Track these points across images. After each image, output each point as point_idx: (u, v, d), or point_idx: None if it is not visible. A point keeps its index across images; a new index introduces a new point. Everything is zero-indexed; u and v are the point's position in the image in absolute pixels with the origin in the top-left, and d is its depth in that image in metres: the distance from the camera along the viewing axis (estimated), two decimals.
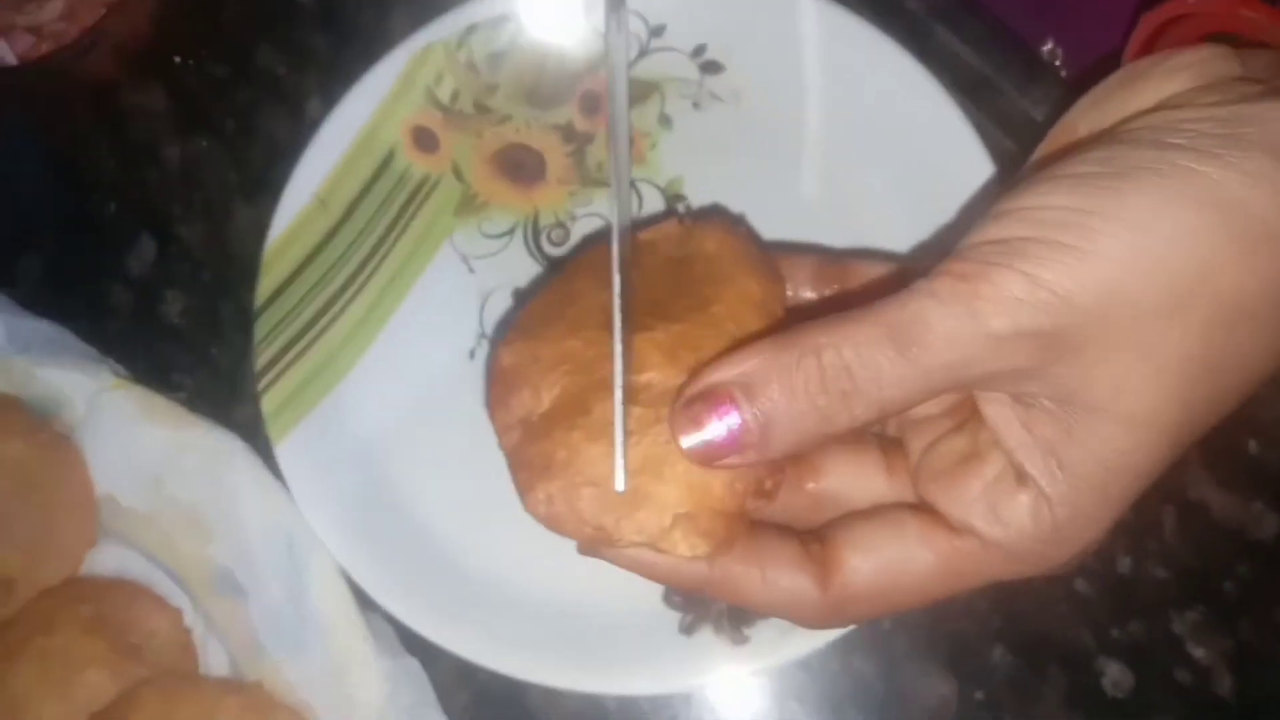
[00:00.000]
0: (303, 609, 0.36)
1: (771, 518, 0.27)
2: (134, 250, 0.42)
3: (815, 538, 0.26)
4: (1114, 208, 0.21)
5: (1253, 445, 0.37)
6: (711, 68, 0.40)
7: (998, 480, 0.24)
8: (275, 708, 0.35)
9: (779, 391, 0.22)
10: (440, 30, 0.39)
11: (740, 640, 0.34)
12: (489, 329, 0.39)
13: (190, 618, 0.37)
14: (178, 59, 0.44)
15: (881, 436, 0.28)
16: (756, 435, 0.23)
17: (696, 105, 0.40)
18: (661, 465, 0.25)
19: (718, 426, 0.23)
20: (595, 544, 0.25)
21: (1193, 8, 0.27)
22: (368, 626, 0.36)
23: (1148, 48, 0.28)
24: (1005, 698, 0.36)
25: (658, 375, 0.26)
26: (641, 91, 0.40)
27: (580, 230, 0.39)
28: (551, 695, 0.36)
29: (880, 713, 0.36)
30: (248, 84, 0.43)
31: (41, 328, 0.40)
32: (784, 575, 0.25)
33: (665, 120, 0.40)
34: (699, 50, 0.40)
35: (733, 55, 0.39)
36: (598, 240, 0.31)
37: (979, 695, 0.36)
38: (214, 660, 0.37)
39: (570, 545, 0.35)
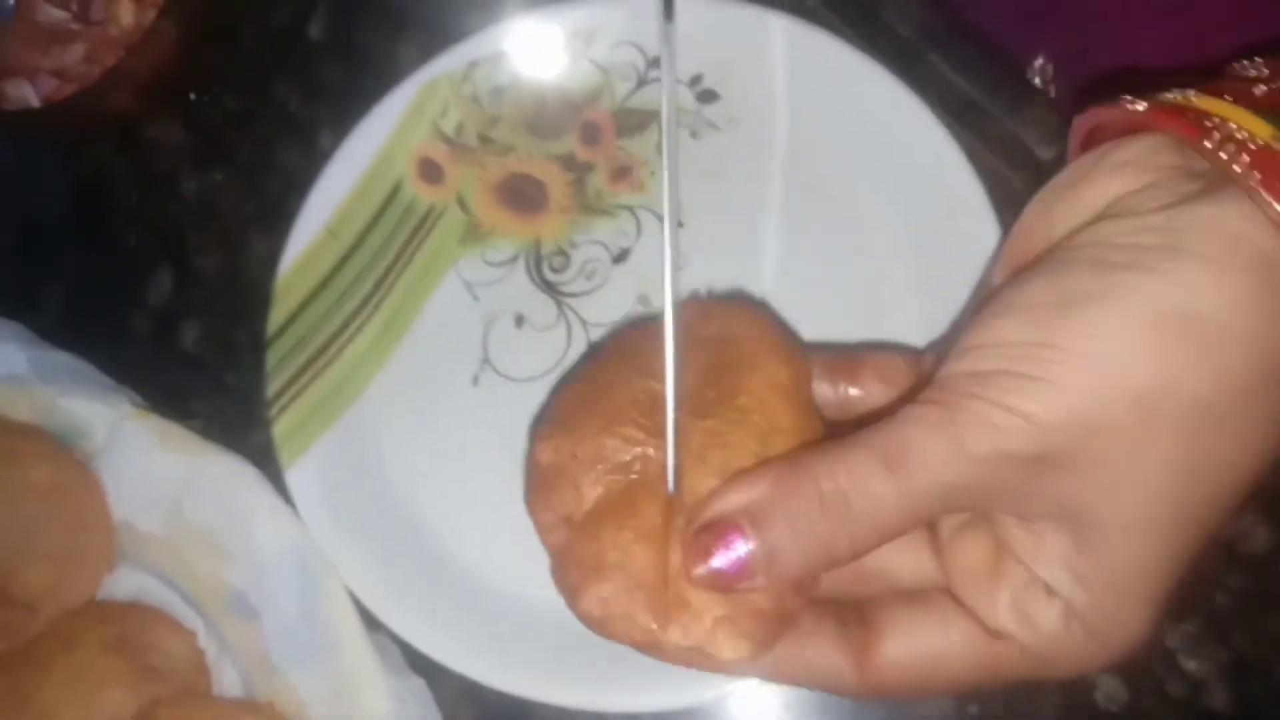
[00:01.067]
0: (313, 630, 0.37)
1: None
2: (152, 280, 0.44)
3: (857, 616, 0.27)
4: (1065, 339, 0.23)
5: None
6: (708, 96, 0.41)
7: (1027, 587, 0.25)
8: None
9: (783, 521, 0.24)
10: (445, 65, 0.40)
11: None
12: (492, 355, 0.40)
13: (204, 639, 0.38)
14: (194, 95, 0.45)
15: None
16: (763, 564, 0.24)
17: (694, 134, 0.41)
18: None
19: (725, 556, 0.24)
20: (644, 646, 0.26)
21: (1120, 116, 0.26)
22: (375, 646, 0.37)
23: (1087, 144, 0.28)
24: (1001, 711, 0.36)
25: (690, 480, 0.26)
26: (640, 120, 0.41)
27: (581, 257, 0.40)
28: (557, 713, 0.37)
29: None
30: (262, 118, 0.44)
31: (63, 359, 0.41)
32: (824, 659, 0.26)
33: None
34: (696, 80, 0.41)
35: (728, 84, 0.41)
36: (630, 323, 0.33)
37: (974, 710, 0.36)
38: (227, 680, 0.38)
39: None
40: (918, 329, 0.38)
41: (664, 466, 0.26)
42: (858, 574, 0.28)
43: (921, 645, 0.26)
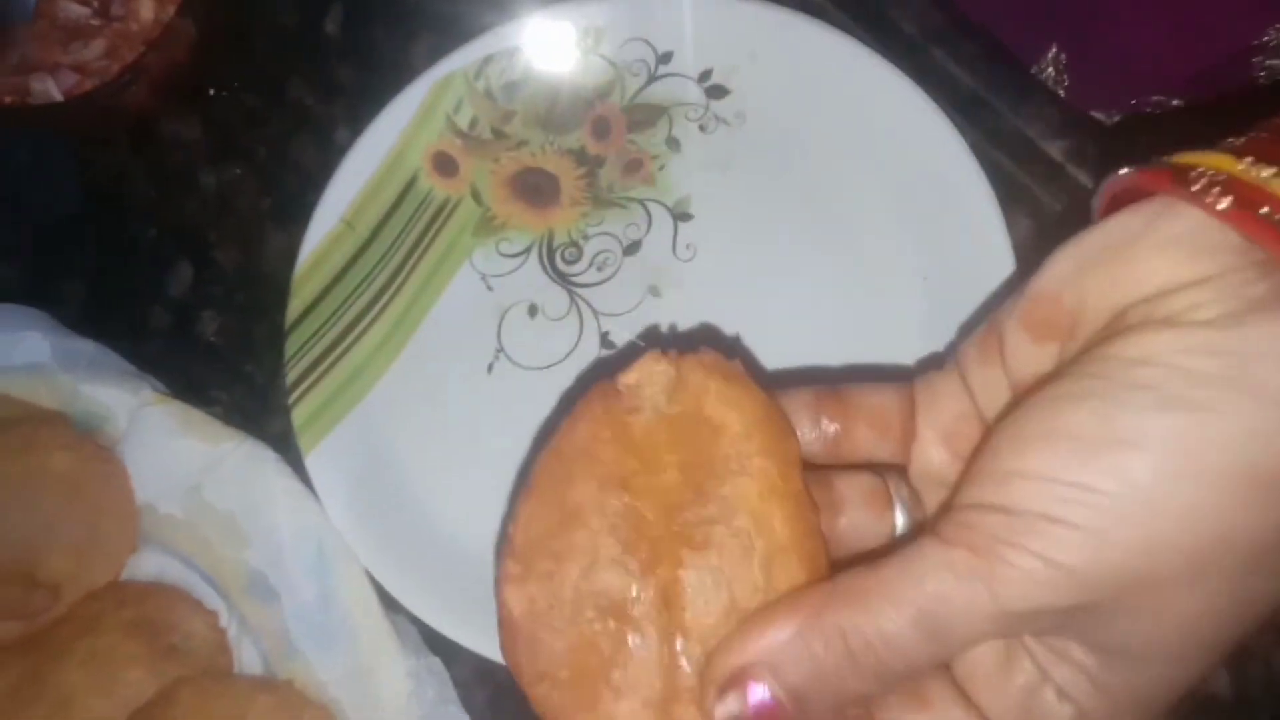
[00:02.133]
0: (331, 611, 0.38)
1: None
2: (172, 273, 0.45)
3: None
4: (1115, 484, 0.21)
5: None
6: (717, 92, 0.42)
7: (1039, 687, 0.24)
8: (305, 705, 0.37)
9: (810, 673, 0.23)
10: (459, 61, 0.41)
11: None
12: (506, 344, 0.41)
13: (225, 619, 0.39)
14: (213, 91, 0.46)
15: None
16: (790, 713, 0.23)
17: (703, 128, 0.42)
18: None
19: (750, 709, 0.23)
20: None
21: (1153, 183, 0.23)
22: (393, 627, 0.37)
23: (1119, 200, 0.25)
24: None
25: (683, 643, 0.25)
26: (650, 115, 0.42)
27: (592, 249, 0.41)
28: None
29: None
30: (279, 114, 0.45)
31: (86, 347, 0.42)
32: None
33: (673, 142, 0.42)
34: (705, 75, 0.42)
35: (737, 80, 0.41)
36: (577, 393, 0.30)
37: None
38: (248, 660, 0.39)
39: None
40: (921, 323, 0.38)
41: (657, 609, 0.25)
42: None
43: None
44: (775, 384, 0.29)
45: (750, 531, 0.26)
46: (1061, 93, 0.45)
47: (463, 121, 0.42)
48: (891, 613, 0.22)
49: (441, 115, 0.42)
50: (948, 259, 0.39)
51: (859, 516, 0.29)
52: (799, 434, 0.29)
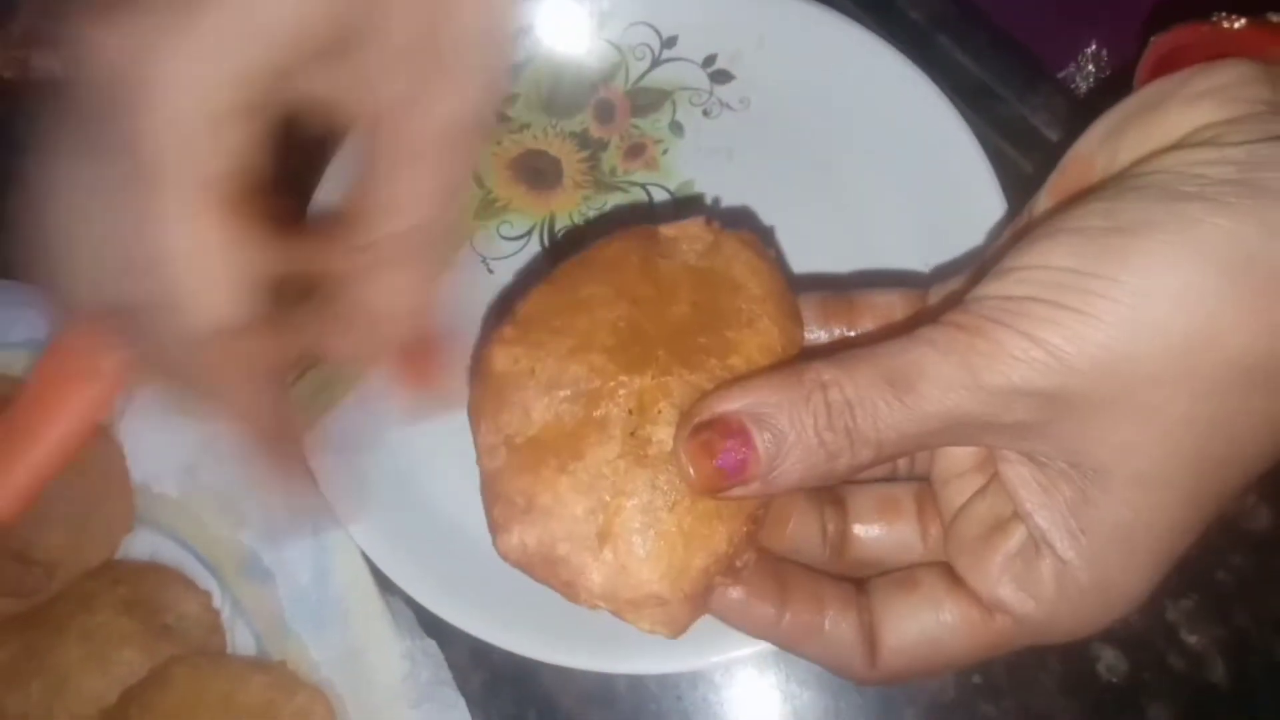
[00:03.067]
0: (326, 592, 0.37)
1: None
2: None
3: (867, 603, 0.26)
4: (1115, 269, 0.20)
5: None
6: (721, 77, 0.41)
7: (1020, 553, 0.24)
8: (299, 686, 0.37)
9: (788, 424, 0.22)
10: None
11: None
12: None
13: (219, 600, 0.39)
14: None
15: (916, 484, 0.29)
16: (764, 467, 0.23)
17: (707, 113, 0.41)
18: (645, 537, 0.24)
19: (727, 455, 0.23)
20: (561, 594, 0.25)
21: (1209, 35, 0.24)
22: (388, 608, 0.37)
23: (1159, 69, 0.25)
24: (1002, 682, 0.36)
25: (664, 433, 0.25)
26: (653, 100, 0.42)
27: (594, 233, 0.41)
28: (564, 675, 0.37)
29: (880, 695, 0.37)
30: None
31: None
32: (841, 647, 0.26)
33: (676, 127, 0.41)
34: (710, 60, 0.41)
35: (742, 65, 0.41)
36: (615, 230, 0.29)
37: (976, 679, 0.37)
38: (241, 640, 0.38)
39: None
40: None
41: (628, 410, 0.25)
42: (853, 565, 0.28)
43: (917, 632, 0.25)
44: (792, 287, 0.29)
45: (742, 372, 0.25)
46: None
47: None
48: (868, 370, 0.22)
49: None
50: (951, 247, 0.38)
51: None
52: (808, 335, 0.29)
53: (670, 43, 0.41)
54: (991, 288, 0.22)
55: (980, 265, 0.28)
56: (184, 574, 0.39)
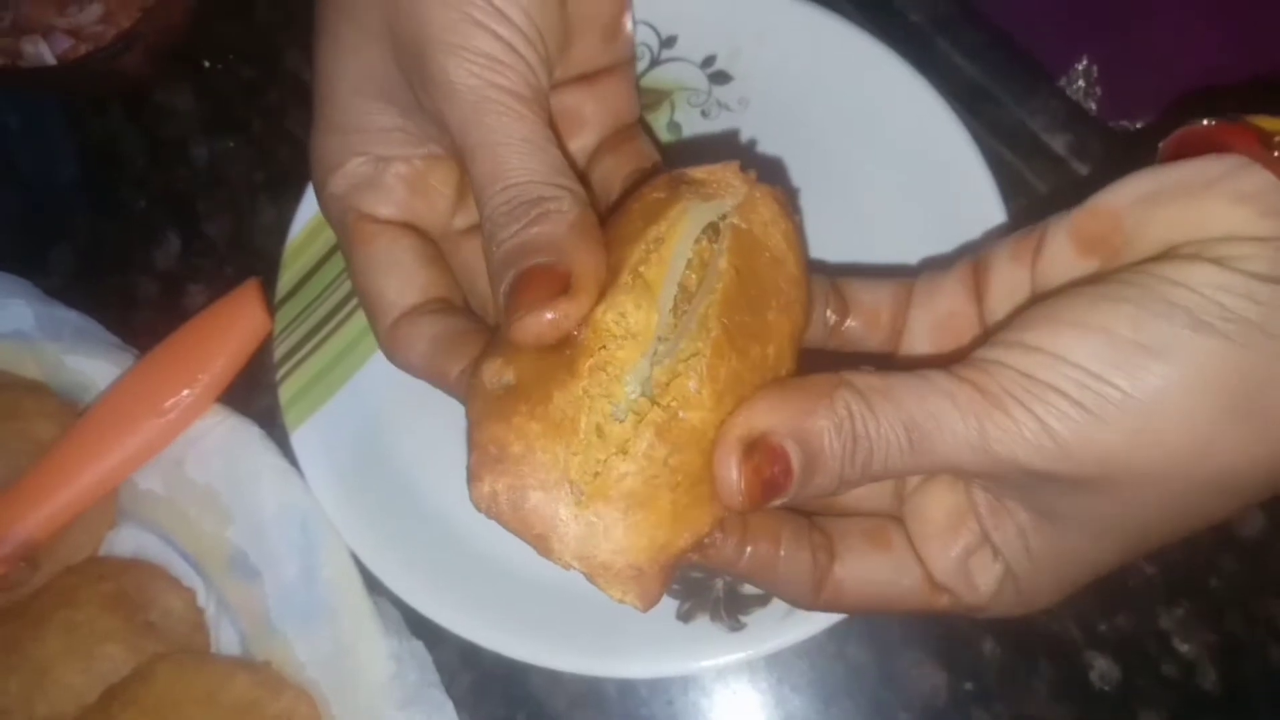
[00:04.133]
0: (313, 591, 0.37)
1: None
2: (161, 244, 0.44)
3: (824, 541, 0.28)
4: (1135, 386, 0.22)
5: None
6: (720, 78, 0.41)
7: (978, 551, 0.27)
8: (284, 686, 0.36)
9: (820, 451, 0.24)
10: None
11: (737, 627, 0.35)
12: None
13: (204, 598, 0.38)
14: (207, 64, 0.45)
15: None
16: (795, 488, 0.24)
17: (705, 114, 0.41)
18: (640, 509, 0.24)
19: (773, 478, 0.24)
20: (531, 545, 0.24)
21: (1236, 138, 0.24)
22: (375, 609, 0.37)
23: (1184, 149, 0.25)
24: (995, 688, 0.36)
25: (696, 416, 0.24)
26: (652, 100, 0.41)
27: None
28: (553, 678, 0.37)
29: (872, 700, 0.36)
30: (275, 86, 0.45)
31: (70, 317, 0.41)
32: (792, 574, 0.27)
33: (674, 127, 0.41)
34: (709, 61, 0.41)
35: (740, 66, 0.41)
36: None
37: (969, 686, 0.36)
38: (225, 639, 0.38)
39: None
40: None
41: (622, 360, 0.24)
42: (823, 507, 0.29)
43: (875, 583, 0.28)
44: None
45: (772, 364, 0.26)
46: (1094, 105, 0.45)
47: None
48: (890, 411, 0.24)
49: None
50: (949, 249, 0.38)
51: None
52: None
53: (669, 43, 0.41)
54: (1015, 359, 0.24)
55: (975, 271, 0.29)
56: (168, 571, 0.39)
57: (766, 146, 0.40)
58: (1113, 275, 0.24)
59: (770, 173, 0.39)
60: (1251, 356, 0.22)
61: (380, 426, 0.39)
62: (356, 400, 0.39)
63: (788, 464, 0.24)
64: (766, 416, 0.24)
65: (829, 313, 0.30)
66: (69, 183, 0.45)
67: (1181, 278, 0.23)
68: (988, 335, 0.28)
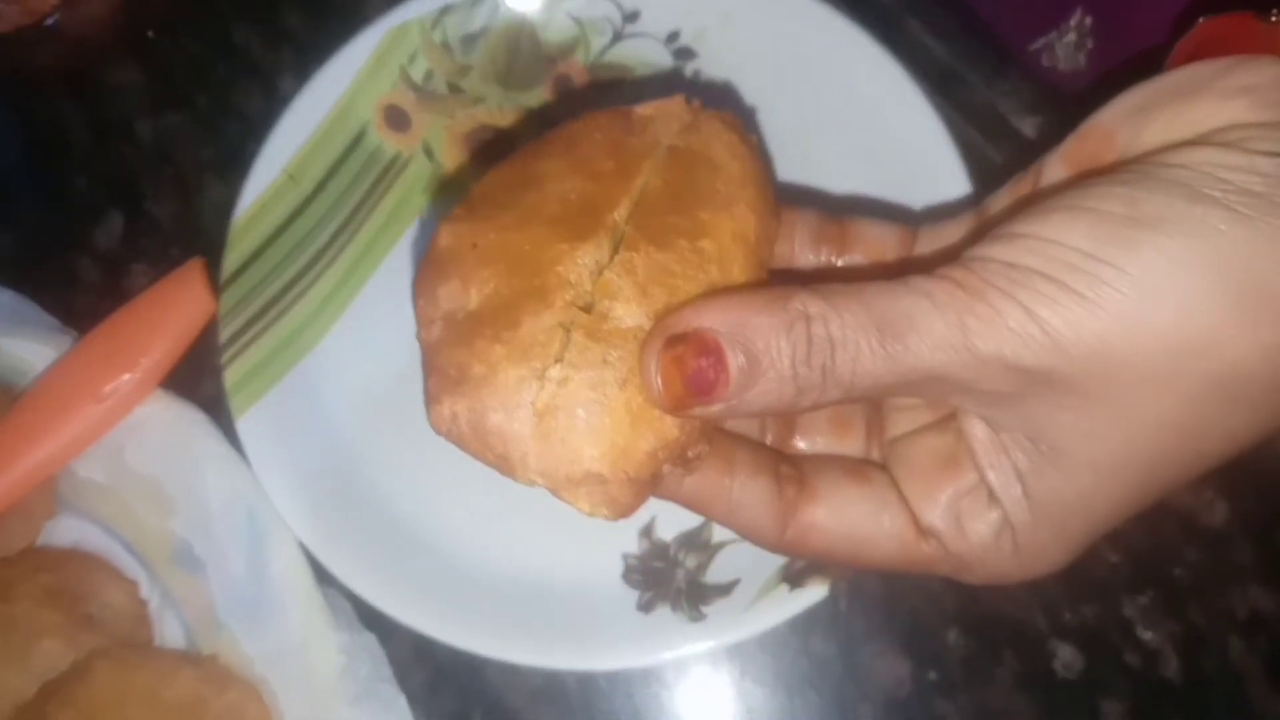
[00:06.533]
0: (261, 583, 0.36)
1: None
2: (102, 224, 0.42)
3: (795, 474, 0.26)
4: (1128, 261, 0.20)
5: None
6: (684, 54, 0.40)
7: (971, 494, 0.24)
8: (230, 680, 0.35)
9: (765, 350, 0.22)
10: (415, 10, 0.39)
11: (697, 618, 0.35)
12: None
13: (147, 590, 0.37)
14: (153, 34, 0.44)
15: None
16: (733, 389, 0.22)
17: (669, 91, 0.40)
18: (590, 412, 0.23)
19: (699, 375, 0.22)
20: (494, 468, 0.24)
21: (1257, 29, 0.23)
22: (325, 601, 0.36)
23: (1195, 54, 0.24)
24: (959, 678, 0.36)
25: (622, 309, 0.23)
26: (615, 75, 0.40)
27: None
28: (510, 672, 0.36)
29: (836, 692, 0.36)
30: (223, 61, 0.43)
31: (4, 298, 0.40)
32: (750, 505, 0.25)
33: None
34: (673, 37, 0.40)
35: (706, 43, 0.40)
36: (588, 110, 0.27)
37: (933, 675, 0.36)
38: (170, 633, 0.36)
39: (531, 523, 0.36)
40: None
41: (569, 280, 0.23)
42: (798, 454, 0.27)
43: (851, 523, 0.25)
44: (784, 197, 0.28)
45: (712, 258, 0.24)
46: (1083, 58, 0.43)
47: (417, 74, 0.40)
48: (858, 311, 0.21)
49: (394, 66, 0.40)
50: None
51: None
52: (798, 254, 0.29)
53: (632, 17, 0.40)
54: (997, 250, 0.22)
55: (979, 220, 0.28)
56: (110, 562, 0.37)
57: None
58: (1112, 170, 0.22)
59: (722, 100, 0.38)
60: (1257, 233, 0.20)
61: (330, 414, 0.38)
62: (306, 386, 0.38)
63: (721, 359, 0.21)
64: (702, 312, 0.22)
65: (825, 253, 0.29)
66: (8, 164, 0.43)
67: (1180, 160, 0.21)
68: None
